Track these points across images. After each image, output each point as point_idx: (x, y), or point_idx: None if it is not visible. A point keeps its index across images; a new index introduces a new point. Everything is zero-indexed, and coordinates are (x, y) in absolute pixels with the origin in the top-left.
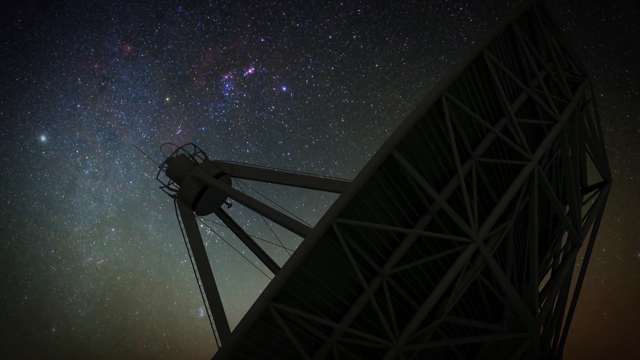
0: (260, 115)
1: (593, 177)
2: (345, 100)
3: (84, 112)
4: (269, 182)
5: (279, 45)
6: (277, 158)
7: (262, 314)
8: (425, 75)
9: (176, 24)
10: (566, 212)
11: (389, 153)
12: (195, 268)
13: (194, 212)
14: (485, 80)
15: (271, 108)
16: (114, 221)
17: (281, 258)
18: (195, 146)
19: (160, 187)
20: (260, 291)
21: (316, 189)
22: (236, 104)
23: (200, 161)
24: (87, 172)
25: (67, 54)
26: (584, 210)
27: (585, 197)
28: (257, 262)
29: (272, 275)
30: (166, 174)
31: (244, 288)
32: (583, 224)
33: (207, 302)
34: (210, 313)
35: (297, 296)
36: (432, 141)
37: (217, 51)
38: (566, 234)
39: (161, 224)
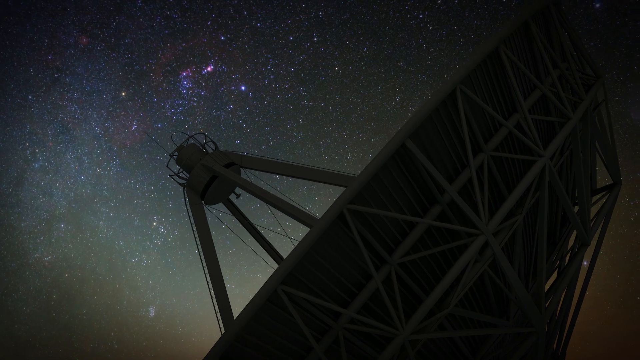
0: (218, 114)
1: (600, 181)
2: (304, 102)
3: (35, 104)
4: (278, 174)
5: (239, 44)
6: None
7: (270, 296)
8: (384, 80)
9: (135, 17)
10: (575, 212)
11: (402, 142)
12: (202, 257)
13: (203, 201)
14: (500, 75)
15: (229, 107)
16: (63, 217)
17: (286, 251)
18: (205, 135)
19: (170, 176)
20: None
21: (324, 182)
22: (194, 101)
23: (210, 151)
24: (36, 165)
25: (19, 43)
26: (593, 211)
27: (594, 198)
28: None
29: (276, 266)
30: (176, 162)
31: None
32: (592, 224)
33: (212, 291)
34: (215, 302)
35: (306, 281)
36: (444, 133)
37: (176, 47)
38: (574, 235)
39: (113, 221)
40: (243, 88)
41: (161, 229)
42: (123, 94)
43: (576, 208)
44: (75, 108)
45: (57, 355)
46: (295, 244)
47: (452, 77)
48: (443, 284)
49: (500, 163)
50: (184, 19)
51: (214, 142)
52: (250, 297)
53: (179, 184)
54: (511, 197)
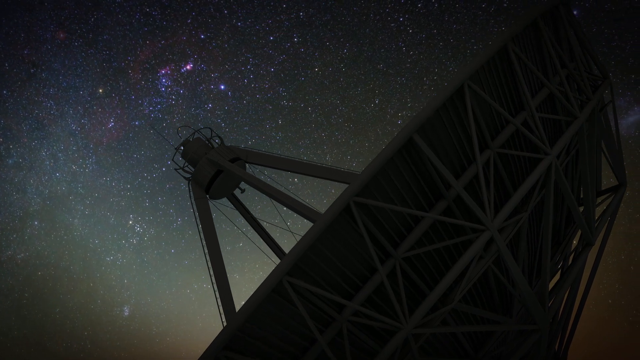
0: (196, 112)
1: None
2: (284, 102)
3: (10, 99)
4: (283, 170)
5: (219, 43)
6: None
7: (275, 287)
8: (364, 82)
9: (113, 13)
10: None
11: (410, 136)
12: (206, 251)
13: (207, 195)
14: (508, 72)
15: (208, 106)
16: (37, 214)
17: (290, 248)
18: (212, 130)
19: (175, 169)
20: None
21: (329, 179)
22: (172, 99)
23: (216, 146)
24: (10, 161)
25: None
26: (598, 212)
27: (599, 199)
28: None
29: (278, 261)
30: (182, 156)
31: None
32: (596, 224)
33: (215, 285)
34: (218, 295)
35: (311, 272)
36: (452, 128)
37: (155, 45)
38: (577, 236)
39: (88, 219)
40: (222, 87)
41: (137, 227)
42: (100, 90)
43: (581, 208)
44: (51, 104)
45: (29, 355)
46: (299, 240)
47: (460, 74)
48: (447, 279)
49: (507, 160)
50: (164, 17)
51: (219, 137)
52: (251, 292)
53: (184, 177)
54: (517, 194)
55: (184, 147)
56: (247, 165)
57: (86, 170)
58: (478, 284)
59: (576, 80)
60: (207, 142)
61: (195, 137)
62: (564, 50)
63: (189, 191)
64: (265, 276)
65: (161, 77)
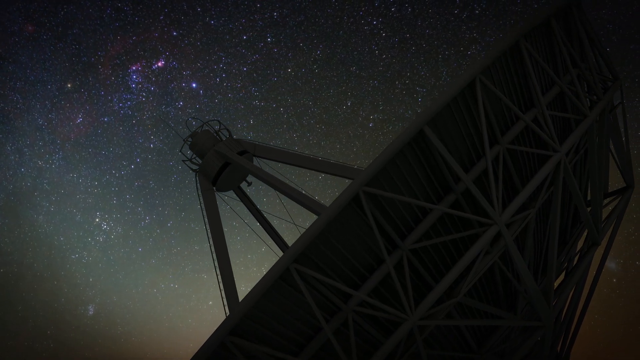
0: (167, 110)
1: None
2: (256, 102)
3: None
4: (290, 164)
5: (191, 41)
6: (181, 156)
7: (282, 274)
8: (336, 84)
9: (84, 7)
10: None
11: (420, 128)
12: (211, 242)
13: (214, 188)
14: (519, 69)
15: (179, 104)
16: (0, 210)
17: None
18: (220, 122)
19: (183, 161)
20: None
21: (337, 175)
22: (143, 96)
23: (224, 138)
24: None
25: None
26: (604, 214)
27: (606, 201)
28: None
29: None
30: (190, 148)
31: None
32: (603, 225)
33: (219, 277)
34: (222, 287)
35: (318, 261)
36: (462, 122)
37: (126, 40)
38: (583, 236)
39: (53, 216)
40: (194, 85)
41: (104, 225)
42: (69, 85)
43: (588, 209)
44: (17, 98)
45: None
46: (307, 227)
47: (470, 68)
48: (454, 272)
49: (516, 157)
50: (136, 12)
51: (228, 130)
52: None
53: (192, 169)
54: (525, 190)
55: (192, 138)
56: (254, 158)
57: (52, 166)
58: (484, 279)
59: (587, 80)
60: (215, 134)
61: (203, 129)
62: (575, 50)
63: (196, 183)
64: (267, 270)
65: (132, 74)
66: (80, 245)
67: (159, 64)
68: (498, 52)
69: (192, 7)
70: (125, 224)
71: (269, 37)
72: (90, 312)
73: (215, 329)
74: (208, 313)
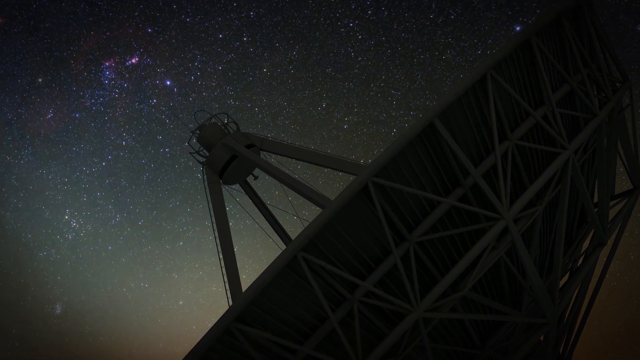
0: (140, 107)
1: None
2: (230, 102)
3: None
4: (297, 159)
5: (166, 38)
6: (154, 154)
7: (290, 262)
8: (312, 85)
9: (57, 1)
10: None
11: (431, 120)
12: (216, 234)
13: (220, 180)
14: (530, 66)
15: (153, 101)
16: None
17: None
18: (228, 116)
19: (190, 153)
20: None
21: (344, 171)
22: (115, 93)
23: (232, 132)
24: None
25: None
26: (611, 214)
27: (612, 202)
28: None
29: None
30: (197, 141)
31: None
32: (609, 225)
33: (224, 269)
34: (225, 279)
35: (325, 250)
36: (472, 117)
37: (100, 36)
38: (589, 237)
39: (21, 213)
40: (168, 83)
41: (73, 223)
42: (40, 80)
43: (595, 209)
44: None
45: None
46: (316, 217)
47: (483, 63)
48: (460, 266)
49: (524, 153)
50: (110, 8)
51: (235, 123)
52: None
53: (199, 162)
54: (534, 186)
55: (200, 131)
56: (261, 152)
57: (21, 161)
58: (489, 275)
59: (596, 81)
60: (223, 127)
61: (211, 122)
62: (585, 50)
63: (203, 175)
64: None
65: (105, 70)
66: (49, 242)
67: (133, 61)
68: (510, 48)
69: (168, 4)
70: (95, 221)
71: (245, 37)
72: (58, 311)
73: (186, 329)
74: (178, 313)
